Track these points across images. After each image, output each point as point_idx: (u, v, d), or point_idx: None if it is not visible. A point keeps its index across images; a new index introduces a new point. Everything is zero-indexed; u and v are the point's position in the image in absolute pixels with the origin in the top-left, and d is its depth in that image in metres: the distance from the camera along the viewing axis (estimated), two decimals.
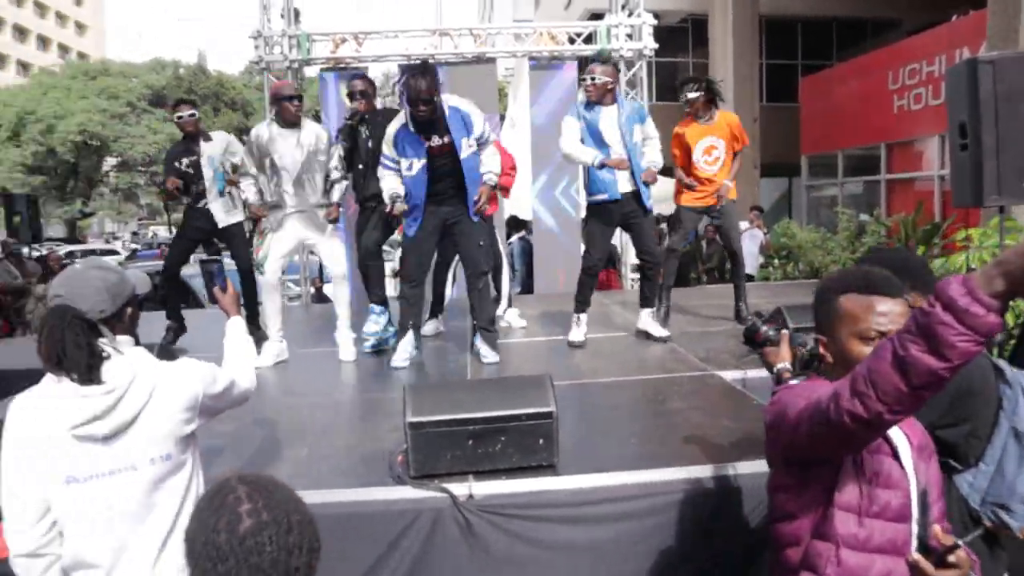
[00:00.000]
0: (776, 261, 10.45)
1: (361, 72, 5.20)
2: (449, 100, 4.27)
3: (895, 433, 1.50)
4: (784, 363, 2.05)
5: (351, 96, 4.91)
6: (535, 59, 8.02)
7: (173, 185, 5.23)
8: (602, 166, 4.58)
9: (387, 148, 4.32)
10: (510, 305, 5.77)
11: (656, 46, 7.81)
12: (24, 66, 47.55)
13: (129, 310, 1.90)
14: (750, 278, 9.73)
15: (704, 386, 3.96)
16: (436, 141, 4.24)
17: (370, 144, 4.75)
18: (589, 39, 7.95)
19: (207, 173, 5.24)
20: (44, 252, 10.10)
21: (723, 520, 2.72)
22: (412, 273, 4.51)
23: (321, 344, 5.08)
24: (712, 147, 5.22)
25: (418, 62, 4.46)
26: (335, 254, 4.82)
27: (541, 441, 2.66)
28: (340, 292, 4.87)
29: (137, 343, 1.93)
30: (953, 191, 4.89)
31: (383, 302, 4.94)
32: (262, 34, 7.73)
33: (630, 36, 7.80)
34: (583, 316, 4.94)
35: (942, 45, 10.55)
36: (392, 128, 4.31)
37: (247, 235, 5.54)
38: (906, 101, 11.42)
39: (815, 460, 1.53)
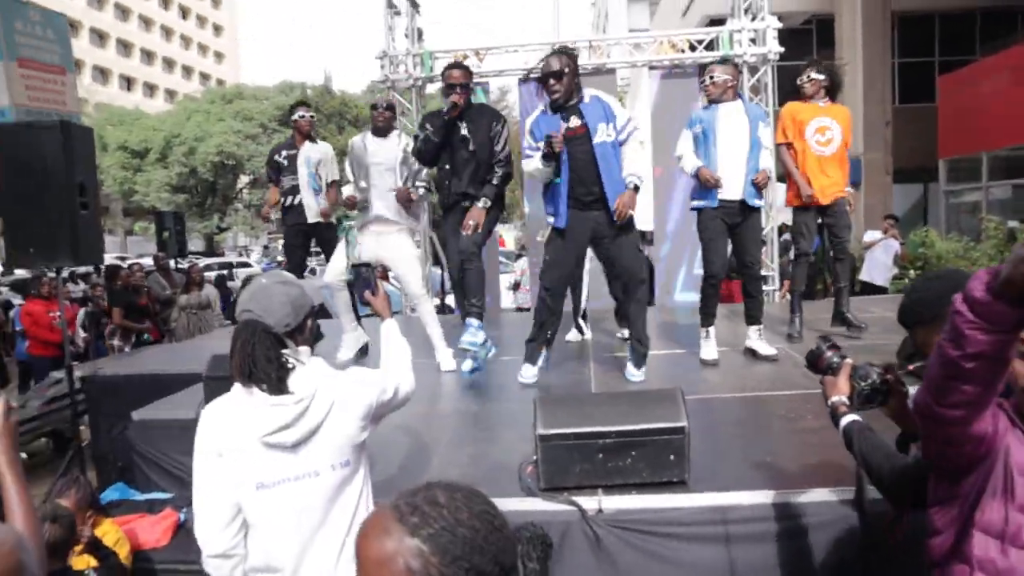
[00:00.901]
0: (912, 272, 9.83)
1: (457, 60, 4.95)
2: (593, 92, 4.15)
3: None
4: (840, 396, 1.92)
5: (449, 88, 4.55)
6: (655, 68, 7.92)
7: (272, 201, 5.82)
8: (697, 175, 4.52)
9: (527, 139, 4.22)
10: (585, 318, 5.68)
11: (781, 50, 7.55)
12: (171, 94, 51.67)
13: (309, 322, 1.98)
14: (882, 290, 9.20)
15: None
16: (574, 123, 4.05)
17: (470, 142, 4.55)
18: (711, 46, 7.78)
19: (301, 170, 5.50)
20: (187, 265, 10.86)
21: (870, 548, 2.57)
22: (554, 284, 4.26)
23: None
24: (826, 127, 5.01)
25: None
26: (412, 273, 4.87)
27: (672, 457, 2.61)
28: (424, 311, 4.92)
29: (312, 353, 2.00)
30: None
31: (482, 314, 4.53)
32: (387, 54, 8.03)
33: (753, 41, 7.58)
34: (711, 330, 4.76)
35: None
36: (530, 119, 4.28)
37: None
38: None
39: (953, 469, 1.42)
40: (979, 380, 1.24)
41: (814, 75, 5.07)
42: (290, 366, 1.84)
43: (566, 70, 4.01)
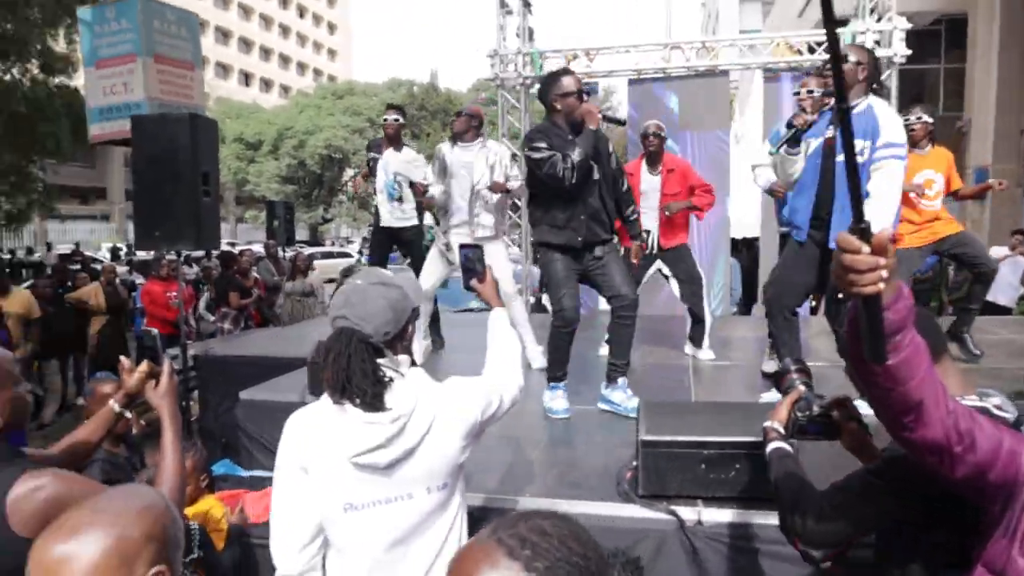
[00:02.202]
0: None
1: (565, 69, 4.26)
2: (874, 102, 3.50)
3: None
4: (776, 422, 1.84)
5: (577, 96, 3.73)
6: (770, 71, 7.67)
7: (360, 183, 5.98)
8: (771, 192, 4.35)
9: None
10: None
11: (908, 52, 7.15)
12: (286, 89, 54.02)
13: (410, 328, 1.77)
14: (1007, 311, 8.58)
15: None
16: (830, 132, 3.51)
17: (595, 169, 3.83)
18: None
19: (379, 175, 5.55)
20: (293, 253, 11.31)
21: None
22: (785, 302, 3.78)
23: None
24: (931, 181, 4.73)
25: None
26: (504, 280, 4.68)
27: (733, 472, 2.50)
28: (515, 310, 4.80)
29: (413, 363, 1.79)
30: None
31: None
32: (498, 52, 8.09)
33: (878, 43, 7.21)
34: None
35: None
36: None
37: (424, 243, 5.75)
38: None
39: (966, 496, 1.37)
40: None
41: (925, 118, 4.81)
42: (387, 379, 1.64)
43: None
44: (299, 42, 59.40)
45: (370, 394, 1.59)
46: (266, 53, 55.21)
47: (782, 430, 1.85)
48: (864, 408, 1.75)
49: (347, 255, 26.98)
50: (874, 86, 3.50)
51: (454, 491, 1.74)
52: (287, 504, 1.67)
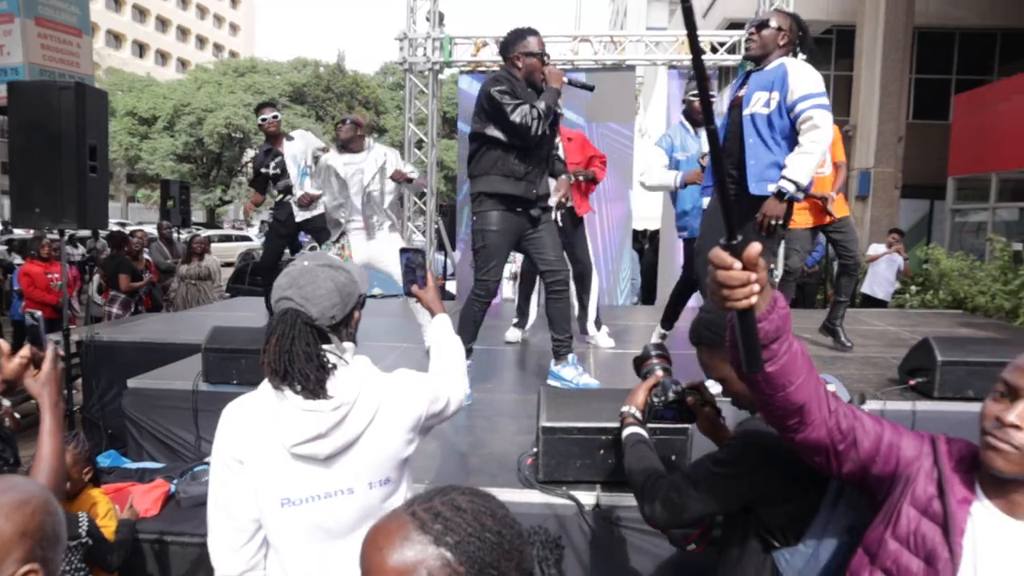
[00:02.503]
0: (912, 288, 9.81)
1: (528, 27, 4.01)
2: (787, 61, 3.47)
3: (969, 511, 1.27)
4: (632, 407, 1.88)
5: (542, 59, 3.76)
6: (674, 68, 7.89)
7: (256, 201, 6.05)
8: (684, 185, 4.60)
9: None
10: (598, 325, 5.40)
11: (803, 57, 7.49)
12: (183, 63, 51.52)
13: (356, 314, 1.70)
14: (883, 304, 9.19)
15: None
16: (742, 92, 3.56)
17: (547, 138, 3.87)
18: (732, 49, 7.74)
19: (292, 171, 5.61)
20: (189, 235, 10.83)
21: None
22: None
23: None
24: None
25: None
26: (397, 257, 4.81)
27: (674, 457, 2.59)
28: (417, 305, 4.84)
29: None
30: None
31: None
32: (407, 36, 7.98)
33: None
34: (666, 333, 4.89)
35: None
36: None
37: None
38: None
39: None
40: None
41: None
42: (331, 366, 1.56)
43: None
44: (199, 14, 56.71)
45: (312, 380, 1.51)
46: (163, 24, 52.44)
47: (639, 415, 1.87)
48: (715, 388, 1.81)
49: (246, 239, 26.13)
50: (800, 50, 3.54)
51: (398, 487, 1.65)
52: (223, 499, 1.57)
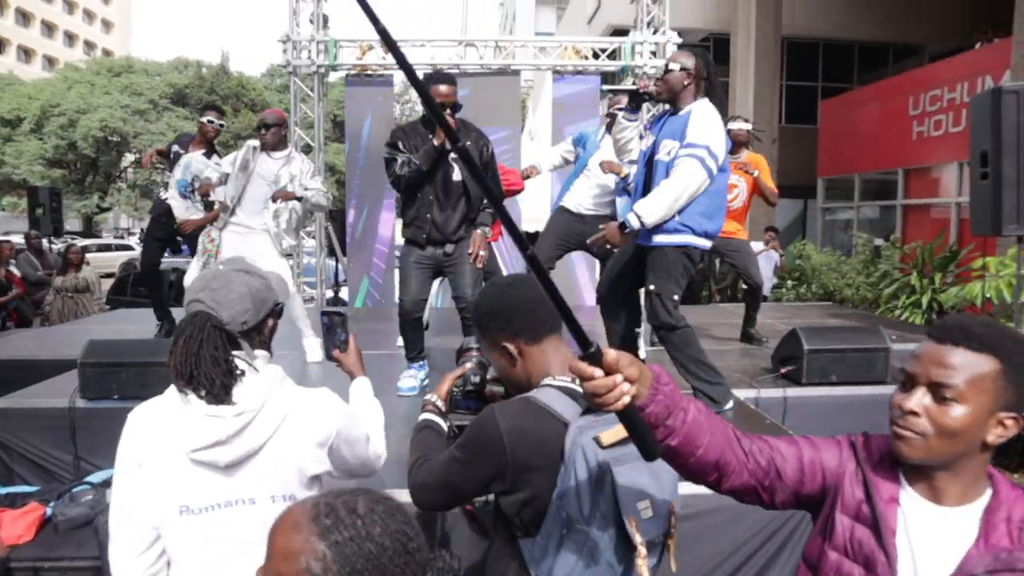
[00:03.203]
0: (789, 282, 10.47)
1: (444, 72, 4.30)
2: (695, 107, 3.51)
3: (898, 507, 1.28)
4: (434, 396, 1.87)
5: (441, 108, 3.73)
6: (559, 73, 8.09)
7: (149, 157, 5.86)
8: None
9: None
10: None
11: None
12: (51, 61, 48.28)
13: (270, 322, 1.69)
14: (764, 299, 9.76)
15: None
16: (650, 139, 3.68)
17: (458, 172, 4.03)
18: (613, 55, 8.02)
19: (176, 171, 5.33)
20: (63, 245, 10.20)
21: (745, 535, 2.76)
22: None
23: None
24: (732, 185, 5.13)
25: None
26: (271, 262, 4.60)
27: None
28: (294, 306, 4.83)
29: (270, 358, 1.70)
30: (972, 219, 4.92)
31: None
32: (291, 38, 7.83)
33: (654, 53, 7.86)
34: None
35: (964, 72, 10.56)
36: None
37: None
38: (926, 127, 11.43)
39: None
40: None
41: (740, 125, 5.35)
42: (239, 372, 1.53)
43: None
44: (67, 8, 53.24)
45: (218, 384, 1.49)
46: (25, 17, 48.92)
47: (440, 404, 1.86)
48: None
49: (127, 247, 24.81)
50: (709, 86, 3.52)
51: None
52: (122, 505, 1.54)
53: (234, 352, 1.55)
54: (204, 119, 5.50)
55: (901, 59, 16.23)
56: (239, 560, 1.51)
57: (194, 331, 1.52)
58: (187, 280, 4.85)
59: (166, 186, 5.47)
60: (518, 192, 5.53)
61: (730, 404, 3.68)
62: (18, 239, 12.42)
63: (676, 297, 3.54)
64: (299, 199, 4.68)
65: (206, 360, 1.49)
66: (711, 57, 3.66)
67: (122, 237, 33.26)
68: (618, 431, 1.43)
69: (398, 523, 0.93)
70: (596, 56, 8.07)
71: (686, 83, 3.47)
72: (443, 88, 3.82)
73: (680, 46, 7.91)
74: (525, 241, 1.09)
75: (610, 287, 3.86)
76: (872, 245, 10.13)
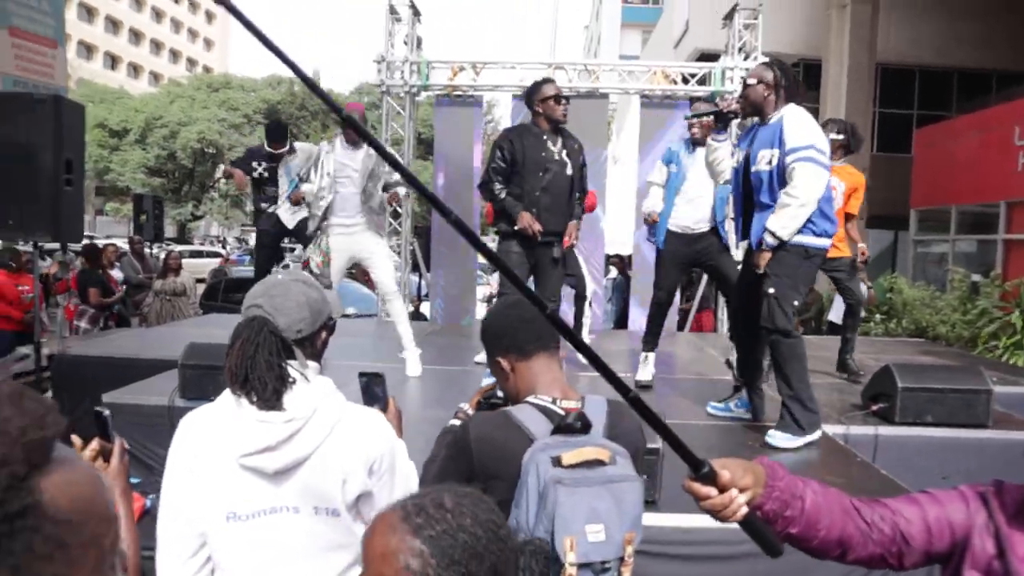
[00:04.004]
0: (877, 316, 10.08)
1: (546, 78, 4.83)
2: (786, 112, 3.55)
3: None
4: (466, 404, 1.97)
5: (557, 102, 4.44)
6: (647, 97, 8.07)
7: (235, 176, 6.00)
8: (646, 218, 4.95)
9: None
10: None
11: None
12: (156, 77, 51.13)
13: (323, 334, 1.70)
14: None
15: None
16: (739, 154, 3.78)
17: (568, 166, 4.58)
18: (703, 81, 7.96)
19: (283, 182, 5.72)
20: (164, 250, 10.73)
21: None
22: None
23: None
24: (832, 187, 5.06)
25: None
26: (386, 269, 4.88)
27: (645, 477, 2.66)
28: (395, 308, 4.93)
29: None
30: None
31: None
32: (385, 59, 8.08)
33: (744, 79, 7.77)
34: (650, 355, 4.95)
35: None
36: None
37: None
38: None
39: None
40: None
41: (833, 135, 5.06)
42: (292, 380, 1.54)
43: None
44: (173, 28, 56.42)
45: (270, 388, 1.50)
46: (136, 36, 52.05)
47: (469, 412, 1.93)
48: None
49: (217, 255, 25.86)
50: (791, 91, 3.56)
51: (349, 530, 1.56)
52: (171, 509, 1.55)
53: (289, 361, 1.57)
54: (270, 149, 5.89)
55: (1005, 87, 15.51)
56: (282, 568, 1.53)
57: (251, 335, 1.53)
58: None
59: (274, 199, 5.78)
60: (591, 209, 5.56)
61: (816, 436, 3.58)
62: (121, 242, 13.14)
63: (796, 303, 3.54)
64: (398, 201, 4.97)
65: (260, 365, 1.51)
66: (800, 76, 3.64)
67: (213, 244, 34.77)
68: (581, 453, 1.50)
69: (486, 512, 0.98)
70: (685, 81, 8.03)
71: (766, 95, 3.52)
72: (553, 86, 4.46)
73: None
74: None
75: (738, 314, 3.95)
76: (970, 280, 9.67)
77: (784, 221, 3.39)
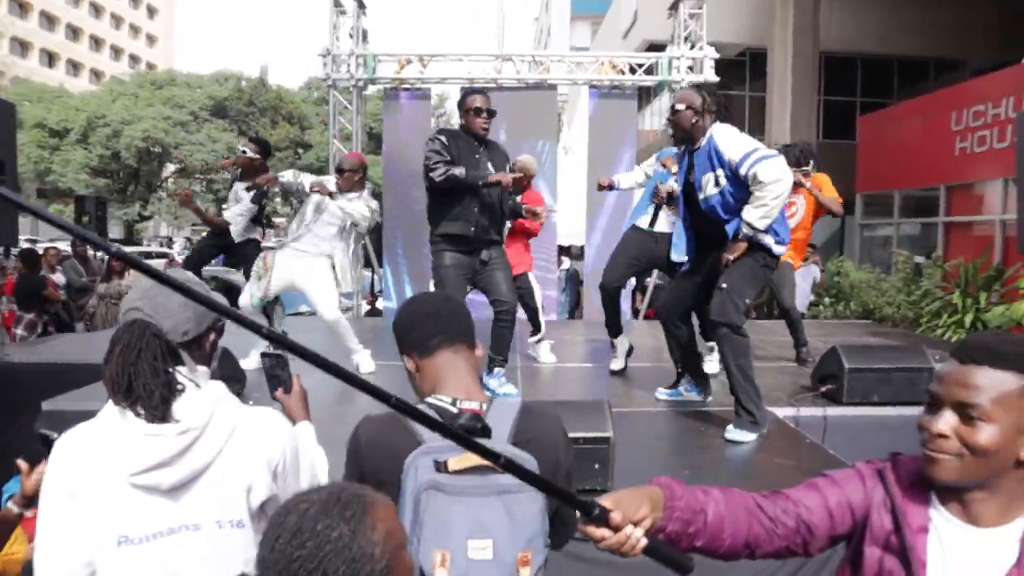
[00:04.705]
0: (826, 300, 10.30)
1: (478, 87, 4.63)
2: (714, 131, 3.63)
3: (928, 536, 1.25)
4: None
5: (477, 113, 4.21)
6: (595, 88, 8.10)
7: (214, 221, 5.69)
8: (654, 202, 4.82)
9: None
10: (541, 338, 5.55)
11: (717, 79, 7.83)
12: (97, 74, 49.63)
13: (212, 336, 1.59)
14: (802, 316, 9.61)
15: None
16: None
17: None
18: (650, 70, 8.01)
19: (242, 195, 5.48)
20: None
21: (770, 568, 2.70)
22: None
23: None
24: (791, 203, 5.10)
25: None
26: (325, 299, 4.75)
27: (596, 466, 2.68)
28: (338, 331, 4.84)
29: (213, 376, 1.60)
30: (1019, 236, 4.81)
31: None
32: (331, 52, 7.96)
33: (691, 68, 7.84)
34: (616, 341, 5.02)
35: (1010, 88, 10.35)
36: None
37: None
38: (969, 143, 11.19)
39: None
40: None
41: (793, 171, 5.22)
42: (180, 388, 1.43)
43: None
44: (114, 24, 54.77)
45: (157, 397, 1.38)
46: (74, 32, 50.43)
47: None
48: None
49: (167, 256, 25.28)
50: (719, 115, 3.63)
51: (255, 540, 1.42)
52: (50, 540, 1.39)
53: (178, 368, 1.45)
54: (239, 148, 5.69)
55: (943, 74, 15.97)
56: None
57: (131, 340, 1.40)
58: (242, 301, 4.83)
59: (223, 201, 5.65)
60: (533, 233, 5.49)
61: (765, 430, 3.64)
62: (63, 246, 12.73)
63: (748, 300, 3.62)
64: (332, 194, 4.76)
65: (145, 371, 1.38)
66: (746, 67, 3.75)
67: (162, 245, 33.96)
68: (467, 458, 1.35)
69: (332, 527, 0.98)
70: (633, 71, 8.08)
71: (695, 120, 3.59)
72: (479, 97, 4.22)
73: (717, 61, 7.88)
74: None
75: (675, 304, 4.00)
76: (913, 263, 9.94)
77: (762, 212, 3.44)
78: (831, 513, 1.32)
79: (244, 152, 5.54)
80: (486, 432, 1.39)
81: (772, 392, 4.42)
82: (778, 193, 3.42)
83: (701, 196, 3.60)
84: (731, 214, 3.58)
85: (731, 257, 3.56)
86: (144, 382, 1.37)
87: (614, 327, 4.97)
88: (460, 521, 1.33)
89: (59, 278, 9.20)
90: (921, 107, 12.68)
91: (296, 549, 0.93)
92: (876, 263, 12.14)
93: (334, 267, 4.81)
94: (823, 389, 4.30)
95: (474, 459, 1.32)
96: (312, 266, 4.75)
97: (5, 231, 4.75)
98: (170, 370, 1.42)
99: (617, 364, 4.99)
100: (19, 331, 7.63)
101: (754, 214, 3.46)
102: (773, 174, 3.40)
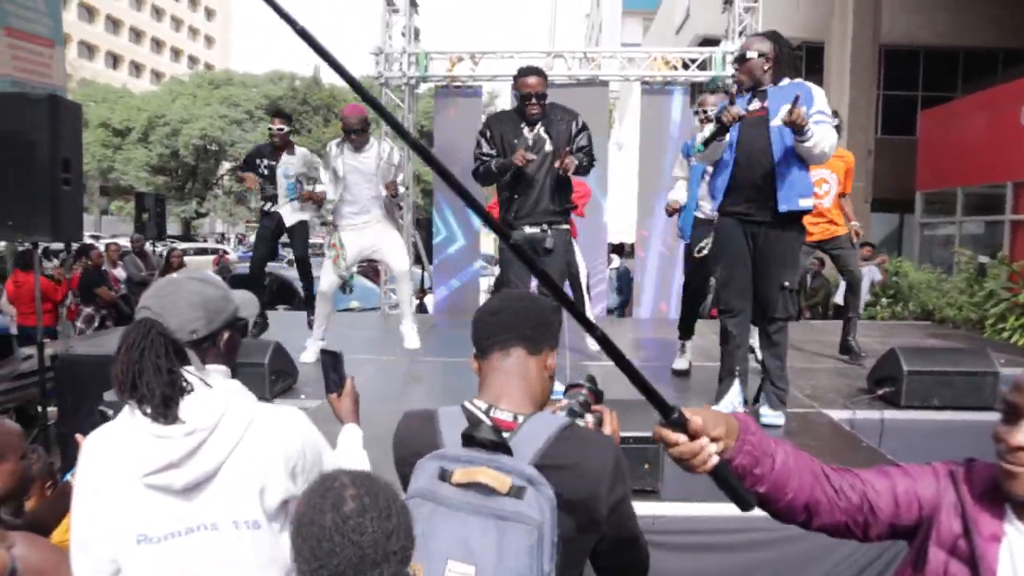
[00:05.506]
0: (883, 300, 10.00)
1: (532, 67, 4.32)
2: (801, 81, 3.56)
3: (1000, 545, 1.20)
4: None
5: (525, 99, 4.06)
6: (648, 84, 8.01)
7: (247, 180, 5.91)
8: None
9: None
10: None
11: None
12: (158, 75, 51.14)
13: (226, 334, 1.57)
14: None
15: (810, 424, 3.84)
16: (754, 105, 3.55)
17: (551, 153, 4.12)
18: (703, 66, 7.89)
19: (280, 181, 5.74)
20: (166, 248, 10.73)
21: (827, 566, 2.63)
22: (732, 302, 3.72)
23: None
24: (822, 180, 5.05)
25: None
26: (397, 253, 5.05)
27: (646, 466, 2.65)
28: (402, 289, 5.14)
29: (234, 375, 1.59)
30: None
31: None
32: (383, 51, 8.03)
33: None
34: (687, 343, 4.91)
35: None
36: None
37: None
38: None
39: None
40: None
41: None
42: (186, 386, 1.42)
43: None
44: (174, 26, 56.39)
45: (159, 395, 1.38)
46: (137, 35, 52.07)
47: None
48: None
49: (219, 251, 25.91)
50: (787, 69, 3.53)
51: (274, 541, 1.46)
52: (80, 536, 1.43)
53: (185, 368, 1.46)
54: (270, 129, 5.86)
55: (1012, 66, 15.35)
56: None
57: (137, 338, 1.41)
58: (323, 287, 5.02)
59: (272, 200, 5.78)
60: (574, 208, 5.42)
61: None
62: (124, 241, 13.16)
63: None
64: (395, 196, 4.98)
65: (148, 369, 1.38)
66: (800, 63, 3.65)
67: (218, 241, 34.83)
68: (471, 472, 1.29)
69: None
70: (686, 67, 7.97)
71: (766, 68, 3.48)
72: (531, 79, 4.02)
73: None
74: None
75: (741, 292, 3.70)
76: (977, 262, 9.57)
77: (817, 138, 3.34)
78: (897, 500, 1.29)
79: (281, 130, 5.76)
80: (503, 448, 1.32)
81: (827, 394, 4.32)
82: (819, 140, 3.34)
83: (774, 122, 3.43)
84: (792, 157, 3.47)
85: (792, 108, 3.29)
86: (147, 380, 1.38)
87: (688, 327, 4.89)
88: (445, 538, 1.27)
89: (120, 273, 9.50)
90: (989, 100, 12.21)
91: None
92: (936, 263, 11.74)
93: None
94: (880, 392, 4.17)
95: (476, 474, 1.28)
96: (380, 233, 4.99)
97: (69, 226, 4.91)
98: (174, 369, 1.42)
99: (682, 364, 4.89)
100: (79, 324, 7.89)
101: (818, 132, 3.34)
102: (825, 135, 3.37)
